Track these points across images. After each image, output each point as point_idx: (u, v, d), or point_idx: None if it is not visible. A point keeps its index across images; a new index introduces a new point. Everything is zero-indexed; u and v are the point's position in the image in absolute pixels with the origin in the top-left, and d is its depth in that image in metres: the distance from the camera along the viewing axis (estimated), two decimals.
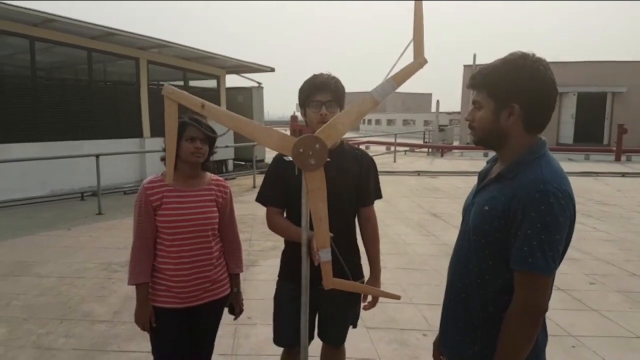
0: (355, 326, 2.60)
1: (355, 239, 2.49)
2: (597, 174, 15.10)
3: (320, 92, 2.28)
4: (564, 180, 1.44)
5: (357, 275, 2.46)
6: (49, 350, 3.63)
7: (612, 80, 25.60)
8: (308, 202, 1.93)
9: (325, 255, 1.89)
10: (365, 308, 2.52)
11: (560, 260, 1.48)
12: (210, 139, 2.37)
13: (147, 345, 2.45)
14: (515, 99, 1.48)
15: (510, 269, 1.47)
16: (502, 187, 1.50)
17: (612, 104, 26.25)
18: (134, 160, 12.05)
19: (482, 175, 1.71)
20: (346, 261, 2.42)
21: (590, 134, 26.17)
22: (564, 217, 1.39)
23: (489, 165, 1.74)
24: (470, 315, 1.60)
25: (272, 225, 2.45)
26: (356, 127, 51.32)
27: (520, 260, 1.41)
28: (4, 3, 8.64)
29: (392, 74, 1.76)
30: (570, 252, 5.49)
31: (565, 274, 5.51)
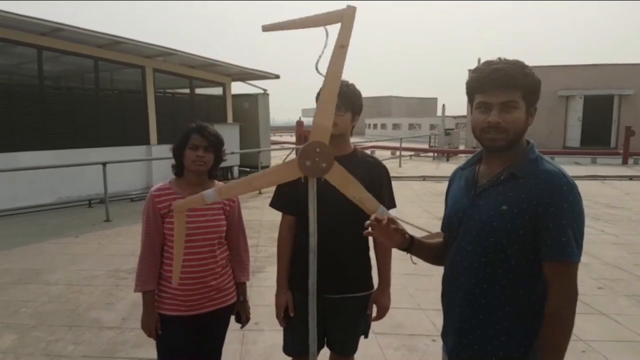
0: (366, 336, 2.58)
1: (367, 249, 2.47)
2: (604, 177, 15.02)
3: None
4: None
5: (366, 286, 2.45)
6: (59, 357, 3.65)
7: (619, 82, 25.50)
8: (314, 210, 1.94)
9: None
10: (373, 319, 2.51)
11: None
12: (215, 147, 2.37)
13: (155, 352, 2.46)
14: (534, 99, 1.60)
15: (533, 263, 1.52)
16: (518, 185, 1.54)
17: (619, 107, 26.12)
18: (141, 168, 12.12)
19: (470, 179, 1.71)
20: (356, 271, 2.42)
21: (597, 137, 26.05)
22: (583, 207, 1.52)
23: (470, 168, 1.75)
24: (495, 319, 1.59)
25: (278, 242, 2.49)
26: (362, 131, 51.32)
27: (559, 251, 1.47)
28: (12, 13, 8.74)
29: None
30: None
31: None
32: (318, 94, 2.33)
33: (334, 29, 1.72)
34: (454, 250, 1.73)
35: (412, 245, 1.81)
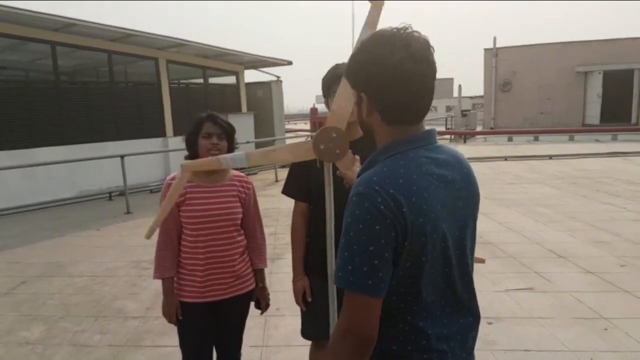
0: None
1: None
2: (625, 154, 14.75)
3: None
4: (396, 182, 1.17)
5: None
6: (85, 347, 3.74)
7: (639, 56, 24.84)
8: (330, 194, 1.95)
9: None
10: None
11: (421, 277, 1.21)
12: (228, 134, 2.39)
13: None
14: (360, 86, 1.30)
15: None
16: None
17: None
18: (159, 160, 12.24)
19: None
20: None
21: (618, 113, 25.52)
22: (382, 224, 1.13)
23: None
24: None
25: (292, 229, 2.51)
26: None
27: (335, 274, 1.20)
28: (24, 10, 8.83)
29: None
30: (599, 234, 5.42)
31: (594, 256, 5.42)
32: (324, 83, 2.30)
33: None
34: None
35: None
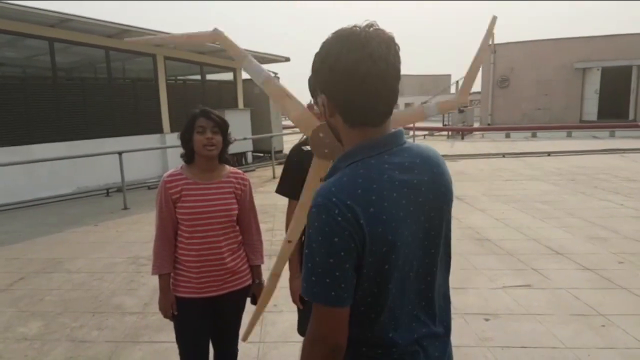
0: None
1: None
2: (623, 150, 14.77)
3: None
4: (354, 193, 1.13)
5: None
6: (83, 342, 3.74)
7: (637, 53, 24.87)
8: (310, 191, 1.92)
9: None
10: None
11: (384, 286, 1.18)
12: (221, 128, 2.38)
13: None
14: (320, 86, 1.26)
15: None
16: None
17: (638, 78, 25.52)
18: (156, 156, 12.22)
19: None
20: None
21: (615, 109, 25.58)
22: (341, 236, 1.11)
23: None
24: None
25: (287, 228, 2.49)
26: None
27: (301, 284, 1.20)
28: (21, 5, 8.79)
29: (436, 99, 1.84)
30: (596, 231, 5.42)
31: (592, 253, 5.43)
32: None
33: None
34: None
35: None
